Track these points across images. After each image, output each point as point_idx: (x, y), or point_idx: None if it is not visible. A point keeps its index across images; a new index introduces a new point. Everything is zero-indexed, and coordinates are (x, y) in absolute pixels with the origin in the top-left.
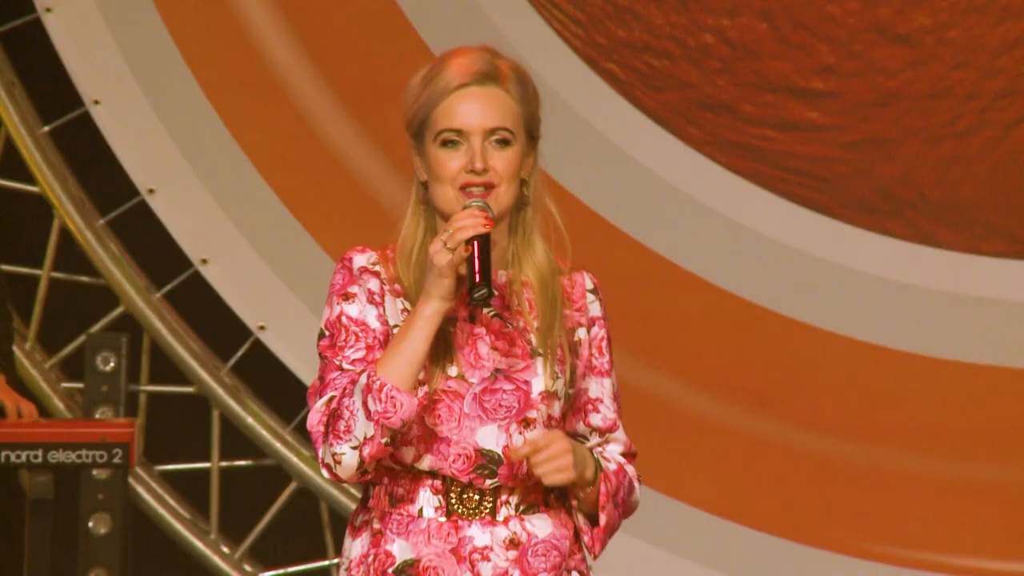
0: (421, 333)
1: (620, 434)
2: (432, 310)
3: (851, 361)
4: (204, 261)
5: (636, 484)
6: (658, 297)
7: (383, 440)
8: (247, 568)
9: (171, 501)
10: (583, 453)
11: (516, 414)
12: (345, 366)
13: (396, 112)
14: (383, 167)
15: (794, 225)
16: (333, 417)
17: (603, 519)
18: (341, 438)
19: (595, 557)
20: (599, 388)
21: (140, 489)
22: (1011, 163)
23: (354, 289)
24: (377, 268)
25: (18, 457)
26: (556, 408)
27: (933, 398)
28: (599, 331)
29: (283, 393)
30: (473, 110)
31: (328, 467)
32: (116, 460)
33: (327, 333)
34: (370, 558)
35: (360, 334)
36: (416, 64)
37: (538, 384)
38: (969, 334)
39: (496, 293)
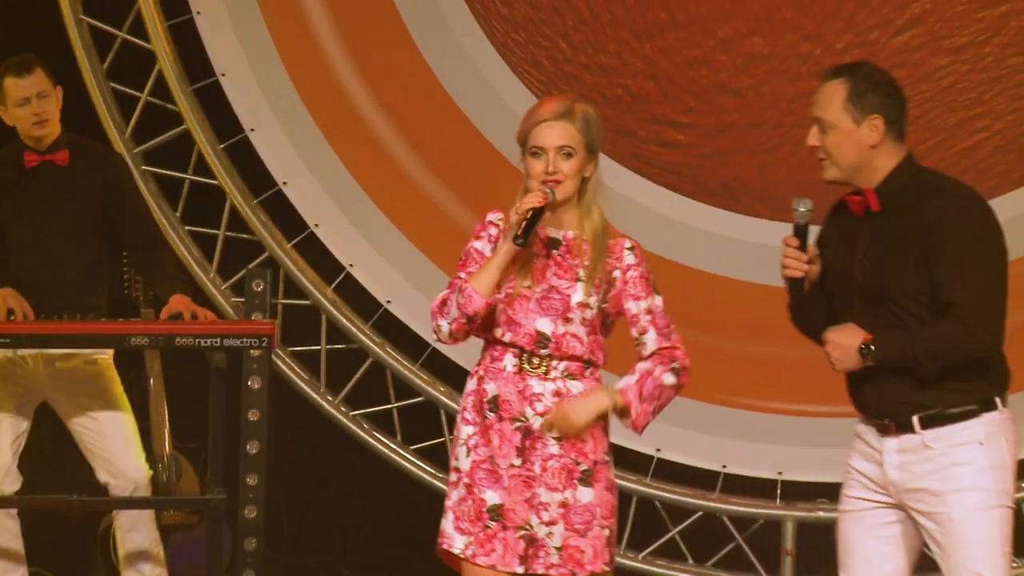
0: (497, 260)
1: (652, 333)
2: (506, 248)
3: (697, 283)
4: (316, 225)
5: (667, 373)
6: None
7: (462, 320)
8: (342, 409)
9: (297, 368)
10: (587, 400)
11: (560, 313)
12: (461, 275)
13: (435, 135)
14: (424, 171)
15: (670, 204)
16: (441, 303)
17: (633, 415)
18: (443, 316)
19: (639, 433)
20: (636, 306)
21: (278, 362)
22: (800, 167)
23: (482, 233)
24: (499, 222)
25: (206, 343)
26: (588, 314)
27: (748, 305)
28: (633, 272)
29: (364, 304)
30: (549, 133)
31: (436, 332)
32: (264, 344)
33: (462, 257)
34: (476, 393)
35: (477, 258)
36: (440, 101)
37: (576, 297)
38: (772, 269)
39: (523, 242)
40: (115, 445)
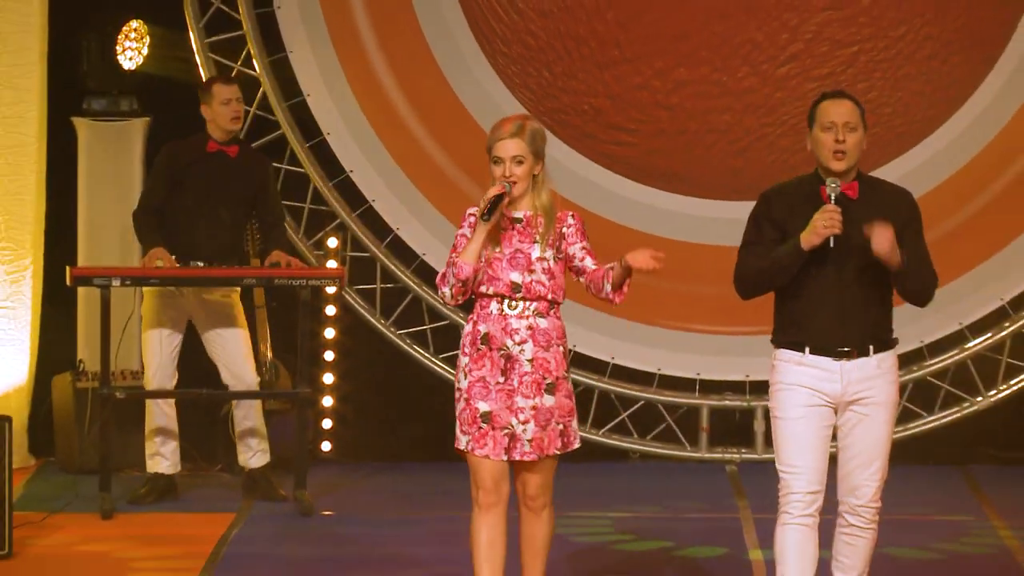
0: (476, 237)
1: (588, 259)
2: (480, 227)
3: (643, 242)
4: (373, 200)
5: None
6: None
7: (458, 285)
8: (392, 329)
9: (361, 302)
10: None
11: (525, 267)
12: (453, 256)
13: (456, 137)
14: (448, 162)
15: (623, 186)
16: (442, 277)
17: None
18: (444, 285)
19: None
20: (575, 248)
21: (347, 296)
22: (719, 165)
23: (464, 224)
24: (475, 213)
25: (296, 283)
26: (546, 264)
27: (677, 256)
28: (572, 228)
29: (407, 257)
30: (505, 148)
31: (442, 298)
32: (337, 284)
33: (454, 242)
34: (472, 333)
35: (463, 241)
36: (459, 113)
37: (535, 253)
38: (697, 230)
39: (488, 218)
40: (236, 356)
